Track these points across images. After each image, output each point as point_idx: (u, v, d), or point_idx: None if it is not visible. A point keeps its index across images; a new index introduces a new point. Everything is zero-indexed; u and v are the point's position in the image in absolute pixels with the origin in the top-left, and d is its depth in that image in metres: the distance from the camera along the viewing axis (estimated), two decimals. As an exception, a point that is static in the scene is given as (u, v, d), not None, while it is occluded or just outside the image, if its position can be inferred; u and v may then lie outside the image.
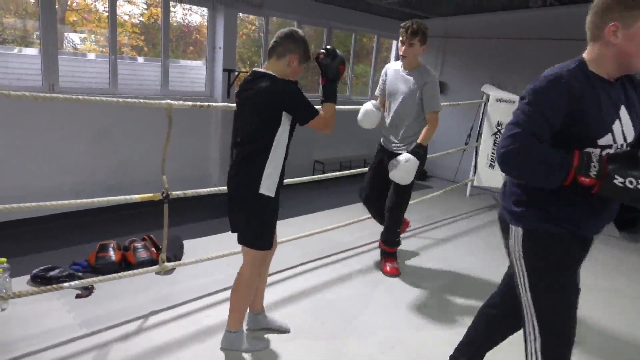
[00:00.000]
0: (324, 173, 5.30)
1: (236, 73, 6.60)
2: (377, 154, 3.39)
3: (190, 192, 2.76)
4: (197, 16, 8.21)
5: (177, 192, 2.65)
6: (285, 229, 3.17)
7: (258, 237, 2.16)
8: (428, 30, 3.06)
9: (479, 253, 3.90)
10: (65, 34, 7.93)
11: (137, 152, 5.33)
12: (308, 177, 3.71)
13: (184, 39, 8.63)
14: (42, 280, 2.70)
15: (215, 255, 2.94)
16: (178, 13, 8.96)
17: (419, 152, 2.99)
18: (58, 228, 3.91)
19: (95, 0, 7.67)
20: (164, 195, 2.55)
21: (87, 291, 2.68)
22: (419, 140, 3.06)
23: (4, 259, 2.55)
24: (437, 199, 4.91)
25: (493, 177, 4.75)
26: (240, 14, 7.39)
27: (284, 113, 2.04)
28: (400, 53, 3.07)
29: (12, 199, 2.53)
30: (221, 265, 3.10)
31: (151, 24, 7.76)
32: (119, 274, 2.57)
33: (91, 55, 6.64)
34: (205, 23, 7.05)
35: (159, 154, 2.61)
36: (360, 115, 3.19)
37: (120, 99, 2.60)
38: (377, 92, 3.38)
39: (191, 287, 2.90)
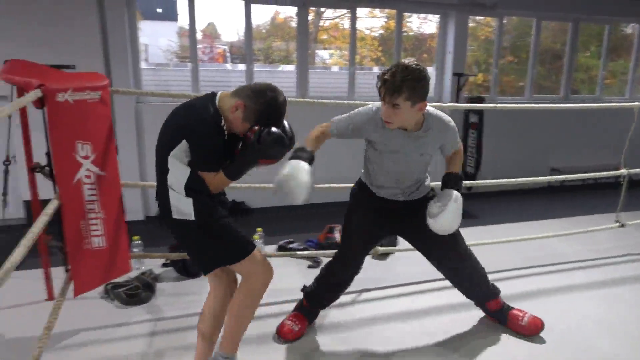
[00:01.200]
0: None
1: (465, 77, 6.58)
2: (361, 205, 2.32)
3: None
4: (432, 24, 8.48)
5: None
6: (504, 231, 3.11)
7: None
8: (425, 74, 1.87)
9: None
10: (317, 51, 9.24)
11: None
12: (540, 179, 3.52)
13: (419, 47, 9.02)
14: (285, 250, 3.37)
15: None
16: (414, 23, 9.40)
17: (460, 184, 2.17)
18: (305, 215, 4.67)
19: (342, 20, 8.70)
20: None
21: (316, 263, 3.21)
22: (454, 170, 2.21)
23: (260, 229, 3.28)
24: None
25: None
26: (477, 17, 7.32)
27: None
28: (383, 117, 1.95)
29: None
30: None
31: (388, 36, 8.38)
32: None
33: (335, 68, 7.62)
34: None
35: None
36: (284, 178, 1.84)
37: (351, 101, 3.02)
38: (334, 129, 2.14)
39: (400, 273, 3.15)
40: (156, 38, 7.78)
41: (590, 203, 5.24)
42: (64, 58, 3.57)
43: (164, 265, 3.13)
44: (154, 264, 3.16)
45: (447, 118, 2.13)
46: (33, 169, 2.44)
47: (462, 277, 2.39)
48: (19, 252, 1.58)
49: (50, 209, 2.04)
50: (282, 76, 7.16)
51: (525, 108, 5.52)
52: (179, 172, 1.74)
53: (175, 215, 1.79)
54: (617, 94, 8.06)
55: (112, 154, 2.45)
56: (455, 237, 2.26)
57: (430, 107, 2.07)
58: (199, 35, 7.22)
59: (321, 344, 2.39)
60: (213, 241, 1.83)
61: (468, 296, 2.49)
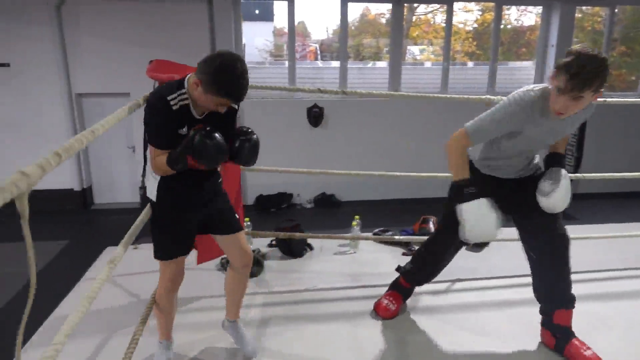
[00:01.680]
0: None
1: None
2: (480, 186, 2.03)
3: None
4: (532, 16, 8.12)
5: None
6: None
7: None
8: (607, 62, 1.76)
9: None
10: (408, 47, 9.24)
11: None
12: None
13: (517, 41, 8.68)
14: (379, 236, 3.52)
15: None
16: (512, 15, 9.06)
17: (564, 163, 2.16)
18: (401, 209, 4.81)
19: (434, 15, 8.61)
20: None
21: (409, 251, 3.33)
22: (559, 150, 2.17)
23: (357, 216, 3.46)
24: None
25: None
26: (583, 8, 6.91)
27: None
28: (555, 108, 1.83)
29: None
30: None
31: (484, 29, 8.17)
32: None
33: (427, 64, 7.58)
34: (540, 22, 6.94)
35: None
36: (471, 228, 1.92)
37: (443, 95, 3.07)
38: (475, 139, 2.00)
39: (497, 265, 3.16)
40: (252, 38, 8.27)
41: None
42: (175, 56, 4.01)
43: (270, 245, 3.42)
44: (261, 243, 3.46)
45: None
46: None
47: (551, 267, 2.19)
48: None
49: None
50: (375, 72, 7.27)
51: (636, 103, 5.14)
52: (149, 152, 1.83)
53: (147, 194, 1.90)
54: None
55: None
56: (560, 218, 2.17)
57: None
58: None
59: (416, 325, 2.50)
60: (157, 230, 1.93)
61: (543, 294, 2.27)
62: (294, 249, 3.24)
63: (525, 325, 2.47)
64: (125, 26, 5.81)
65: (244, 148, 1.83)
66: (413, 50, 9.46)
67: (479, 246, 3.31)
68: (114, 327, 2.45)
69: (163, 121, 1.72)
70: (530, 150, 2.14)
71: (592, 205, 5.26)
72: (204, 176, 1.90)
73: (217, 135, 1.68)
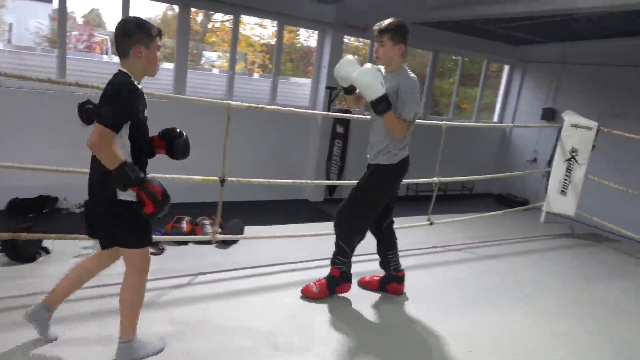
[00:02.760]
0: None
1: (337, 90, 7.19)
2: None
3: (243, 179, 3.37)
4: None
5: (232, 179, 3.26)
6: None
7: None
8: (405, 28, 2.70)
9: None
10: (204, 52, 9.33)
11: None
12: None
13: (305, 59, 9.55)
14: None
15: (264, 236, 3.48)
16: (302, 35, 9.92)
17: None
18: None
19: (231, 24, 8.90)
20: (220, 179, 3.18)
21: (159, 250, 3.41)
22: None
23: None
24: (503, 220, 4.88)
25: (563, 204, 4.55)
26: (352, 38, 7.99)
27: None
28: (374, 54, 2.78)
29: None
30: (272, 245, 3.69)
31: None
32: (183, 238, 3.29)
33: (215, 71, 7.82)
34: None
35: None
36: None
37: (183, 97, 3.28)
38: (413, 119, 2.83)
39: (238, 260, 3.49)
40: (25, 19, 7.34)
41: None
42: None
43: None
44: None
45: (412, 76, 2.75)
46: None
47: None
48: None
49: None
50: (161, 73, 7.17)
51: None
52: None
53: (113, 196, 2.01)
54: (469, 117, 9.29)
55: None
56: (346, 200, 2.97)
57: None
58: (79, 21, 6.97)
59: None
60: (133, 223, 2.07)
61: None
62: (21, 253, 2.99)
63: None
64: None
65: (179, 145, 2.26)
66: (210, 56, 9.59)
67: (225, 243, 3.61)
68: None
69: (129, 102, 1.96)
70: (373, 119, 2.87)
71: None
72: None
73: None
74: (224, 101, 3.21)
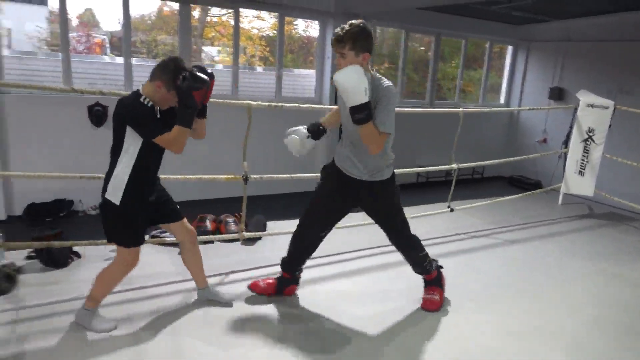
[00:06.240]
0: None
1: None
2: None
3: (266, 176, 3.36)
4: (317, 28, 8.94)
5: (255, 176, 3.25)
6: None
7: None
8: (365, 33, 2.37)
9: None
10: (204, 48, 9.23)
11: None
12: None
13: (305, 49, 9.46)
14: (157, 238, 3.50)
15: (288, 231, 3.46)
16: (300, 26, 9.82)
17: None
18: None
19: (230, 18, 8.81)
20: (244, 177, 3.16)
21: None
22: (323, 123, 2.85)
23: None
24: (521, 203, 4.83)
25: (582, 185, 4.54)
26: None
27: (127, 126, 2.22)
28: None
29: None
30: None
31: (276, 37, 8.67)
32: (211, 237, 3.28)
33: (219, 66, 7.73)
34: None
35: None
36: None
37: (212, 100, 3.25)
38: (392, 132, 2.46)
39: (266, 257, 3.47)
40: (22, 23, 7.21)
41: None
42: None
43: (28, 257, 3.10)
44: (18, 257, 3.10)
45: (387, 84, 2.44)
46: None
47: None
48: None
49: None
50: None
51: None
52: (128, 158, 2.27)
53: (108, 196, 2.29)
54: (475, 100, 9.25)
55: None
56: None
57: None
58: (74, 22, 6.87)
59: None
60: (122, 224, 2.36)
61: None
62: (55, 259, 2.99)
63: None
64: None
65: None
66: (210, 51, 9.50)
67: (250, 240, 3.60)
68: None
69: (152, 114, 2.24)
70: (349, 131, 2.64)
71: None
72: (155, 177, 2.49)
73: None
74: (245, 101, 3.18)
